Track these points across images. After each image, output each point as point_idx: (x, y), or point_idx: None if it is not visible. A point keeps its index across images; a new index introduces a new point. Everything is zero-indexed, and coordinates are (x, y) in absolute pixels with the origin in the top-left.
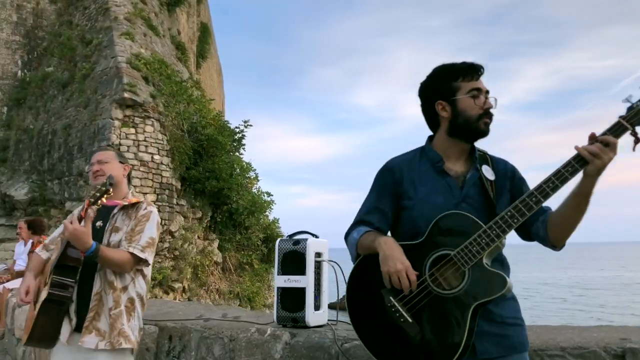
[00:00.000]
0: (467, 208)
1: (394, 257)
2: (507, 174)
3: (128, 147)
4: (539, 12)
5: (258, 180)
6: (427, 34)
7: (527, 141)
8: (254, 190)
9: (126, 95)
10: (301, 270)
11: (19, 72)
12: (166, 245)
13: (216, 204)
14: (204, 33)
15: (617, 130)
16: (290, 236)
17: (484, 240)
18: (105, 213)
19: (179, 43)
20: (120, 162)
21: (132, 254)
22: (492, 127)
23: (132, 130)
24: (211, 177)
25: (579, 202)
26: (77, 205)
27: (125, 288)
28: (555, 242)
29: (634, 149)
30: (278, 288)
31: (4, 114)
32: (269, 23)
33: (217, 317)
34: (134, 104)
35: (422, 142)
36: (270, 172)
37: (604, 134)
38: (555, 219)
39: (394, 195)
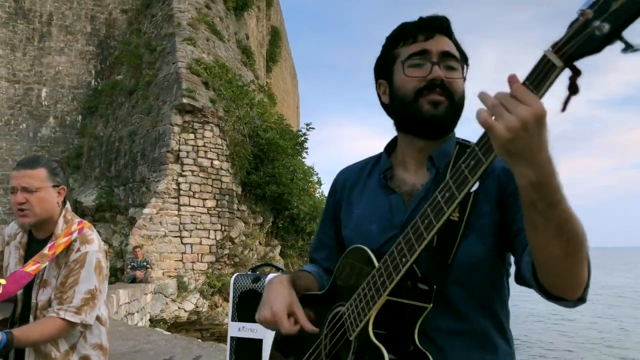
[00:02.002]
0: None
1: (268, 301)
2: (495, 178)
3: (187, 152)
4: None
5: (321, 185)
6: (513, 29)
7: (620, 138)
8: (316, 195)
9: (185, 100)
10: None
11: (93, 81)
12: (226, 252)
13: (278, 209)
14: (275, 37)
15: (540, 71)
16: (253, 270)
17: (370, 292)
18: (30, 257)
19: (245, 47)
20: (54, 185)
21: (63, 319)
22: (585, 124)
23: (192, 136)
24: (271, 182)
25: (533, 220)
26: (139, 212)
27: (73, 347)
28: (552, 290)
29: (563, 109)
30: (232, 338)
31: (79, 122)
32: (349, 24)
33: None
34: (192, 109)
35: None
36: None
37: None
38: (533, 254)
39: (336, 222)
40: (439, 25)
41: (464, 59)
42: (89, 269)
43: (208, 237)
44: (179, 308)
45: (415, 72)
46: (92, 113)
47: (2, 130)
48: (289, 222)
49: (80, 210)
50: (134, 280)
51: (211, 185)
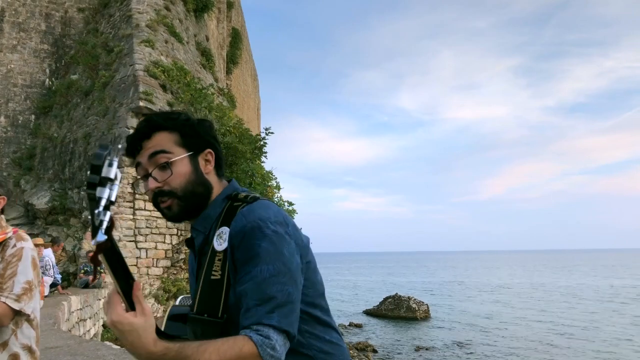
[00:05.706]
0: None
1: None
2: (230, 241)
3: None
4: (587, 11)
5: (279, 189)
6: (471, 35)
7: (575, 143)
8: (275, 199)
9: (141, 103)
10: None
11: (47, 80)
12: (182, 256)
13: None
14: (235, 38)
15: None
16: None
17: None
18: None
19: (204, 49)
20: None
21: (5, 304)
22: (538, 130)
23: None
24: None
25: None
26: None
27: (4, 344)
28: None
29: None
30: None
31: (32, 122)
32: (312, 27)
33: None
34: (149, 112)
35: (463, 144)
36: (315, 175)
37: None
38: None
39: None
40: (139, 140)
41: (188, 136)
42: (25, 262)
43: (164, 242)
44: None
45: (144, 186)
46: (46, 113)
47: None
48: None
49: (32, 213)
50: (86, 285)
51: None
